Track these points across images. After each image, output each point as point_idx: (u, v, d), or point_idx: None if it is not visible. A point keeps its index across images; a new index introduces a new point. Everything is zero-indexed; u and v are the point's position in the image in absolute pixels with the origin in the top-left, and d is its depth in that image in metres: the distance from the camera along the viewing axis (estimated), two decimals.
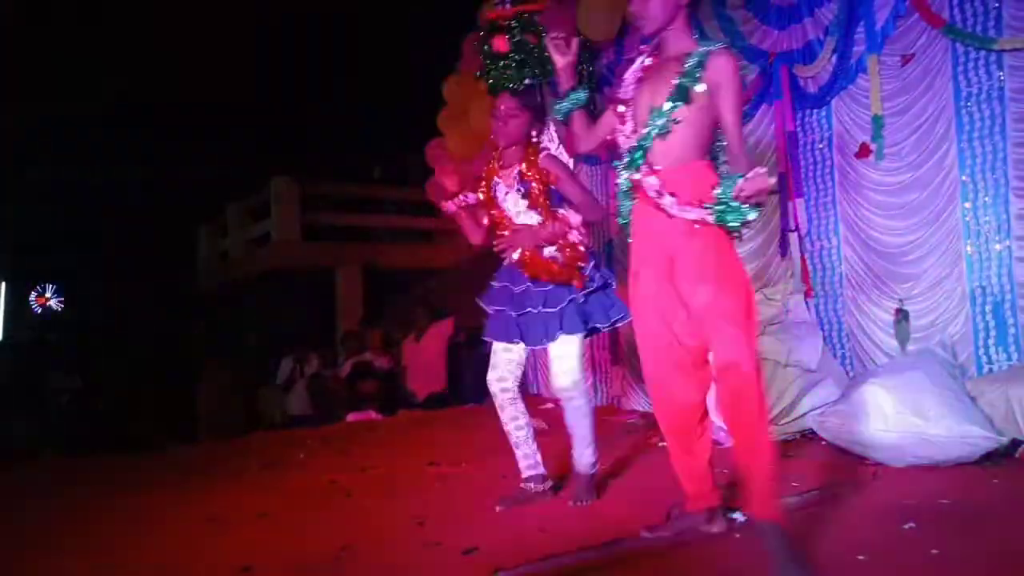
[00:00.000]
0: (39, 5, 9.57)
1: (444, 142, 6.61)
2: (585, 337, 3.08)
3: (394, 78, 9.81)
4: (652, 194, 2.40)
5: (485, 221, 3.24)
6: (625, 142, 2.50)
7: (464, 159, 6.57)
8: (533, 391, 6.53)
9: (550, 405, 5.87)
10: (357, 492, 3.44)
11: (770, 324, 4.37)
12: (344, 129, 11.31)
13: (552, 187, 3.02)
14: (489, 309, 3.18)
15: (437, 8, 7.59)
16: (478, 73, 3.01)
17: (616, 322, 3.07)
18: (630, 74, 2.55)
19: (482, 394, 6.82)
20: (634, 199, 2.51)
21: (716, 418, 3.99)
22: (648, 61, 2.51)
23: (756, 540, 2.23)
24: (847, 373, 4.35)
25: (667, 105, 2.36)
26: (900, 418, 3.29)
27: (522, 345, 3.12)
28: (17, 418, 9.54)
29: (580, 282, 2.99)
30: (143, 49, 10.16)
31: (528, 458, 3.21)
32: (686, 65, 2.35)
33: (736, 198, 2.20)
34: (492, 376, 3.17)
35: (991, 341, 3.88)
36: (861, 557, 2.26)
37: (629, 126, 2.50)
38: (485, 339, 3.23)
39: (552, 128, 3.13)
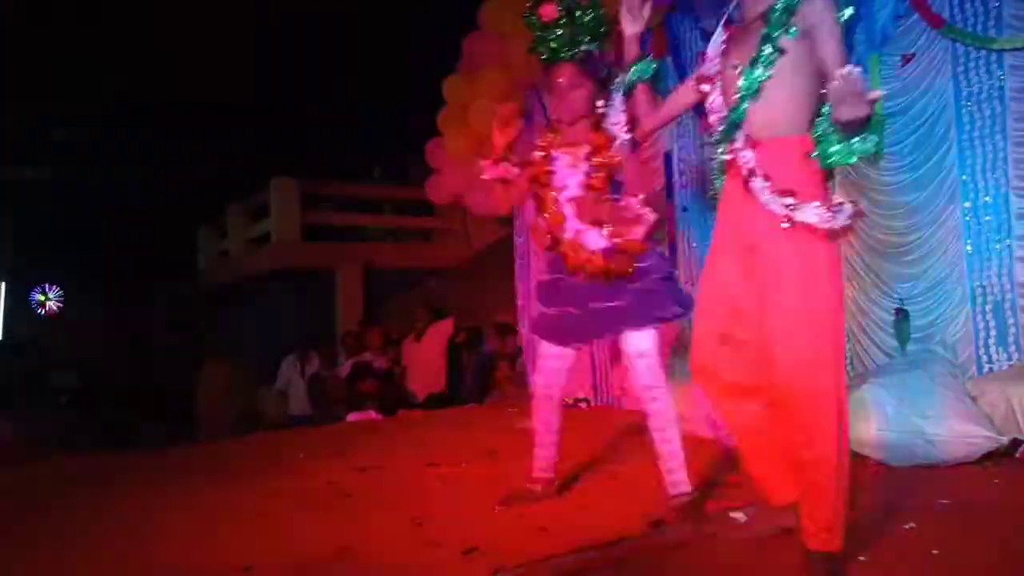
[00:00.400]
0: (39, 5, 9.57)
1: (444, 142, 6.61)
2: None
3: (394, 78, 9.81)
4: (745, 172, 2.16)
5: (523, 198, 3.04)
6: (716, 116, 2.29)
7: (463, 159, 6.57)
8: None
9: None
10: (357, 492, 3.44)
11: None
12: (344, 129, 11.31)
13: (617, 175, 2.80)
14: (548, 309, 2.98)
15: (437, 8, 7.58)
16: (530, 48, 2.82)
17: (681, 315, 2.83)
18: (712, 49, 2.34)
19: (482, 394, 6.86)
20: (726, 175, 2.28)
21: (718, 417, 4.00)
22: (730, 28, 2.30)
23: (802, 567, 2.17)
24: (847, 373, 4.34)
25: (759, 58, 2.11)
26: (900, 418, 3.30)
27: (572, 351, 2.95)
28: (17, 418, 9.54)
29: (633, 272, 2.76)
30: (143, 49, 10.16)
31: (544, 460, 3.11)
32: (771, 15, 2.10)
33: (834, 119, 1.90)
34: (539, 381, 3.05)
35: (991, 341, 3.88)
36: (862, 558, 2.26)
37: (718, 100, 2.29)
38: (543, 339, 3.02)
39: (618, 99, 2.80)
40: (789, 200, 2.06)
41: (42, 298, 13.92)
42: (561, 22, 2.75)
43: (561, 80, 2.77)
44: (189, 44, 10.02)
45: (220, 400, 8.34)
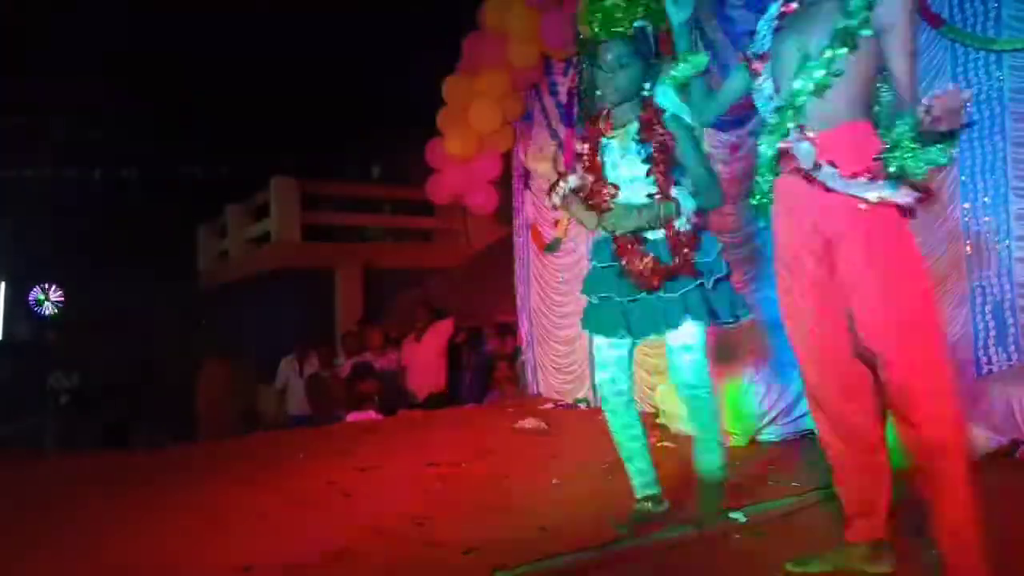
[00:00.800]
0: (40, 4, 9.57)
1: (444, 142, 6.61)
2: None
3: (394, 78, 9.81)
4: (806, 165, 2.00)
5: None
6: (766, 104, 2.12)
7: (463, 159, 6.57)
8: (533, 391, 6.53)
9: (550, 405, 5.88)
10: (357, 492, 3.44)
11: None
12: (344, 129, 11.31)
13: (673, 155, 2.58)
14: (592, 298, 2.75)
15: (437, 8, 7.58)
16: (580, 20, 2.64)
17: (740, 319, 2.63)
18: (764, 23, 2.17)
19: (482, 394, 6.86)
20: (778, 173, 2.10)
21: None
22: (788, 5, 2.10)
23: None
24: None
25: (827, 53, 1.95)
26: None
27: (627, 340, 2.69)
28: (17, 417, 9.54)
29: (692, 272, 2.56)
30: (143, 49, 10.16)
31: (644, 474, 2.77)
32: (850, 4, 1.93)
33: (923, 130, 1.76)
34: (603, 376, 2.75)
35: (991, 341, 3.88)
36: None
37: (769, 85, 2.11)
38: (588, 333, 2.81)
39: (669, 86, 2.63)
40: (864, 179, 1.92)
41: (42, 298, 13.92)
42: None
43: (610, 57, 2.59)
44: (189, 44, 10.02)
45: (220, 400, 8.33)
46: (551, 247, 6.29)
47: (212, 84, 10.64)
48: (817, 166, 1.99)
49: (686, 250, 2.57)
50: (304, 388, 7.76)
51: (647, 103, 2.60)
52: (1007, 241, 3.84)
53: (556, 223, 6.21)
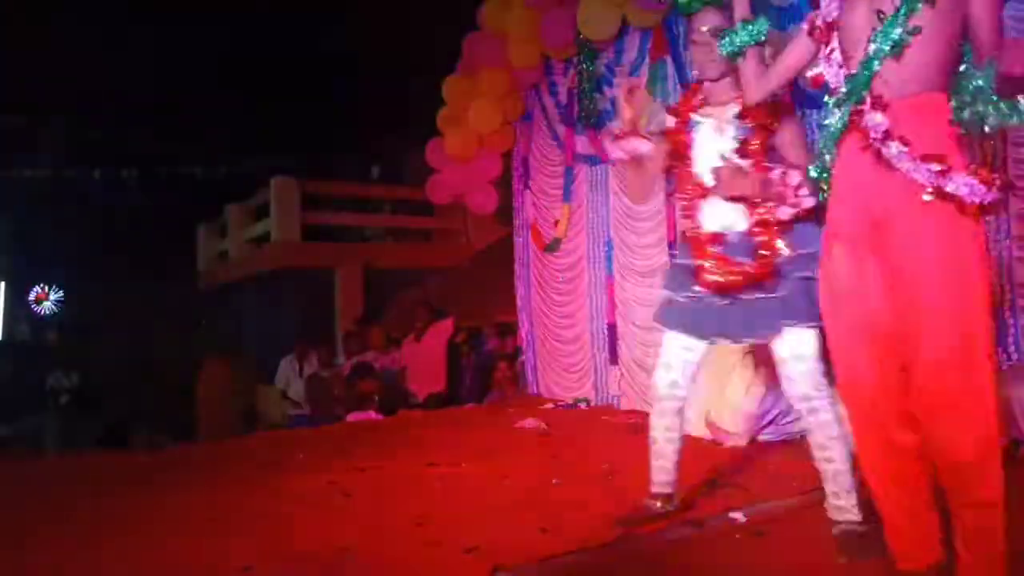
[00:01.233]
0: (39, 4, 9.57)
1: (444, 142, 6.62)
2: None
3: (394, 78, 9.81)
4: (874, 137, 1.81)
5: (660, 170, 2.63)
6: (836, 74, 1.93)
7: (463, 159, 6.58)
8: (533, 391, 6.53)
9: (550, 405, 5.88)
10: (357, 492, 3.44)
11: None
12: (344, 129, 11.32)
13: (772, 138, 2.36)
14: (678, 296, 2.55)
15: (437, 8, 7.58)
16: None
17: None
18: None
19: (482, 394, 6.86)
20: (844, 144, 1.92)
21: (717, 418, 4.00)
22: None
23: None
24: None
25: (901, 9, 1.76)
26: None
27: (704, 344, 2.53)
28: (17, 417, 9.54)
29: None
30: (143, 49, 10.16)
31: (666, 472, 2.67)
32: None
33: (1007, 72, 1.65)
34: (664, 377, 2.60)
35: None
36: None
37: (838, 54, 1.93)
38: (667, 329, 2.60)
39: (768, 53, 2.38)
40: (936, 166, 1.73)
41: (42, 298, 13.92)
42: None
43: (705, 29, 2.37)
44: (189, 44, 10.02)
45: (220, 400, 8.33)
46: (551, 247, 6.29)
47: (212, 84, 10.64)
48: (887, 139, 1.79)
49: (774, 248, 2.33)
50: (304, 388, 7.76)
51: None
52: (1006, 241, 3.83)
53: (556, 223, 6.21)
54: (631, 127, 2.64)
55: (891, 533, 1.98)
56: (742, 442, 3.96)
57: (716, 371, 3.96)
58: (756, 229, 2.38)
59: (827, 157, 1.98)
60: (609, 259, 5.69)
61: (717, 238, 2.44)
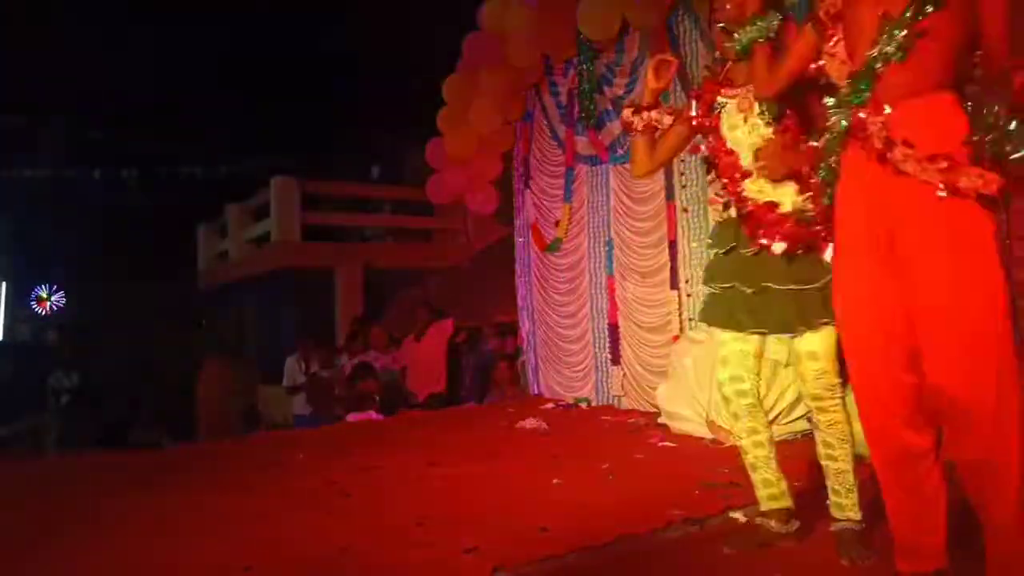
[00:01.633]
0: (39, 4, 9.57)
1: (444, 142, 6.62)
2: None
3: (394, 78, 9.81)
4: (878, 142, 1.76)
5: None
6: (839, 70, 1.88)
7: (463, 159, 6.58)
8: (533, 391, 6.54)
9: (550, 405, 5.88)
10: (357, 492, 3.44)
11: None
12: (344, 129, 11.32)
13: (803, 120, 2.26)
14: (712, 287, 2.48)
15: (437, 8, 7.58)
16: None
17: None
18: None
19: (482, 394, 6.86)
20: (847, 147, 1.86)
21: (717, 417, 4.00)
22: None
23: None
24: None
25: (907, 12, 1.70)
26: None
27: (755, 337, 2.40)
28: (17, 417, 9.54)
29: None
30: (143, 49, 10.16)
31: (770, 486, 2.45)
32: None
33: (1018, 100, 1.57)
34: (724, 375, 2.44)
35: None
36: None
37: (842, 49, 1.88)
38: (711, 325, 2.52)
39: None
40: (944, 163, 1.68)
41: (42, 298, 13.92)
42: None
43: (729, 5, 2.29)
44: (189, 44, 10.02)
45: (220, 400, 8.33)
46: (552, 247, 6.29)
47: (212, 84, 10.64)
48: (890, 144, 1.74)
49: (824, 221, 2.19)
50: (304, 388, 7.76)
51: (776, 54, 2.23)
52: (1007, 241, 3.83)
53: (556, 223, 6.22)
54: (654, 98, 2.55)
55: (897, 535, 1.95)
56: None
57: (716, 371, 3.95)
58: (809, 205, 2.26)
59: (832, 160, 1.92)
60: (609, 259, 5.69)
61: (772, 206, 2.31)
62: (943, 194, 1.69)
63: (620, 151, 5.47)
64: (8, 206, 12.55)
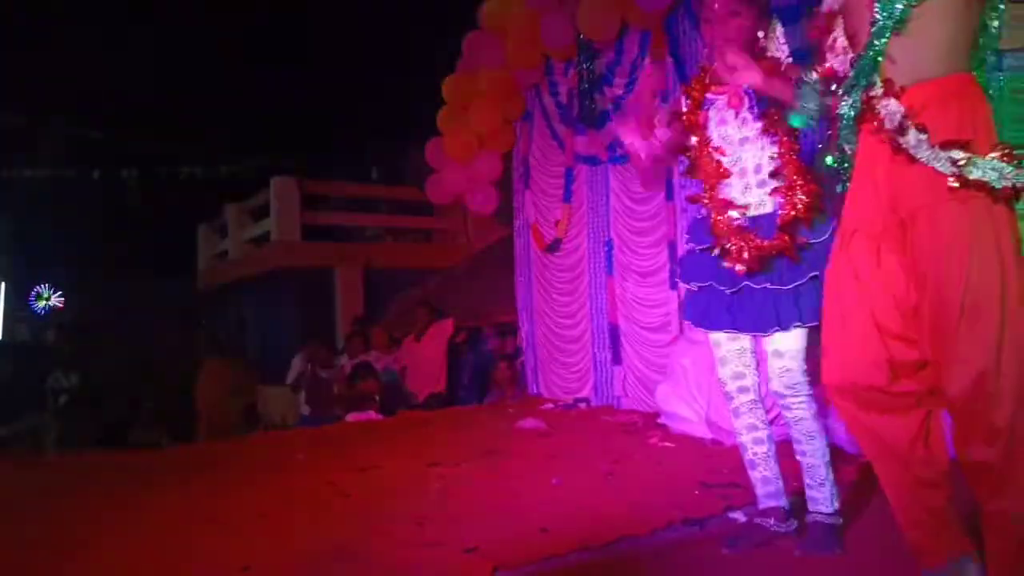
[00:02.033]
0: (39, 4, 9.57)
1: (444, 142, 6.62)
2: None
3: (394, 78, 9.82)
4: (890, 126, 1.66)
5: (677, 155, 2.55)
6: (843, 60, 1.82)
7: (463, 159, 6.58)
8: (533, 391, 6.53)
9: (550, 405, 5.88)
10: (357, 492, 3.44)
11: None
12: (344, 129, 11.33)
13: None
14: (690, 286, 2.52)
15: (437, 8, 7.59)
16: None
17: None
18: None
19: (482, 394, 6.86)
20: (860, 135, 1.79)
21: (718, 417, 4.00)
22: None
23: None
24: None
25: None
26: None
27: (744, 335, 2.42)
28: (17, 418, 9.54)
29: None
30: (144, 49, 10.16)
31: (768, 483, 2.48)
32: None
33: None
34: (725, 373, 2.48)
35: None
36: (862, 558, 2.26)
37: (841, 39, 1.83)
38: (695, 325, 2.54)
39: (780, 30, 2.40)
40: (958, 153, 1.58)
41: (42, 298, 13.92)
42: None
43: (717, 6, 2.34)
44: (189, 44, 10.02)
45: (220, 400, 8.33)
46: (551, 247, 6.29)
47: (212, 84, 10.64)
48: (903, 129, 1.64)
49: (798, 227, 2.26)
50: (304, 388, 7.76)
51: (761, 59, 2.30)
52: None
53: (556, 223, 6.22)
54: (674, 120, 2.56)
55: (905, 528, 1.89)
56: None
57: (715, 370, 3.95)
58: (786, 207, 2.29)
59: (847, 147, 1.84)
60: (609, 259, 5.69)
61: (741, 217, 2.35)
62: (955, 184, 1.59)
63: (620, 151, 5.47)
64: (8, 206, 12.55)
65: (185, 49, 10.09)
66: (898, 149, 1.67)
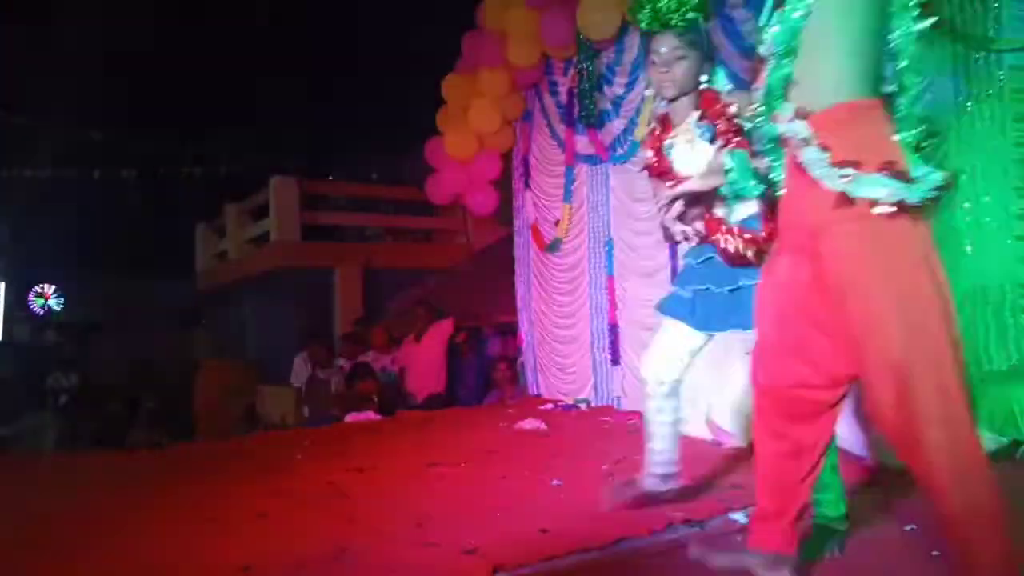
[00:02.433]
0: (39, 4, 9.57)
1: (444, 142, 6.62)
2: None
3: (394, 78, 9.82)
4: (795, 146, 1.75)
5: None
6: (759, 84, 1.89)
7: (463, 159, 6.58)
8: (533, 392, 6.53)
9: (550, 406, 5.88)
10: (356, 492, 3.44)
11: None
12: (344, 129, 11.32)
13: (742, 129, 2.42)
14: (683, 292, 2.72)
15: (437, 8, 7.58)
16: (629, 12, 2.71)
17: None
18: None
19: (482, 394, 6.86)
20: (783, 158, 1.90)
21: (718, 418, 4.00)
22: None
23: None
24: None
25: (789, 6, 1.71)
26: None
27: (701, 334, 2.63)
28: (17, 417, 9.55)
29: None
30: (144, 48, 10.16)
31: (656, 454, 2.76)
32: None
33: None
34: (656, 365, 2.71)
35: (991, 342, 3.87)
36: (862, 559, 2.26)
37: (763, 74, 1.88)
38: (666, 314, 2.75)
39: (723, 73, 2.58)
40: (848, 171, 1.63)
41: (42, 298, 13.91)
42: None
43: (664, 51, 2.50)
44: (189, 44, 10.02)
45: (220, 400, 8.36)
46: (551, 247, 6.29)
47: (212, 83, 10.64)
48: (804, 149, 1.71)
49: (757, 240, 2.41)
50: (304, 388, 7.77)
51: (704, 94, 2.50)
52: (1007, 241, 3.83)
53: (556, 223, 6.22)
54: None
55: (762, 496, 2.02)
56: (742, 443, 3.96)
57: (716, 370, 3.95)
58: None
59: (775, 176, 1.97)
60: (609, 259, 5.69)
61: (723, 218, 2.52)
62: (845, 203, 1.64)
63: (620, 151, 5.47)
64: (8, 206, 12.54)
65: (185, 49, 10.08)
66: (799, 168, 1.75)
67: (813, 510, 2.39)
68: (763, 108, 1.87)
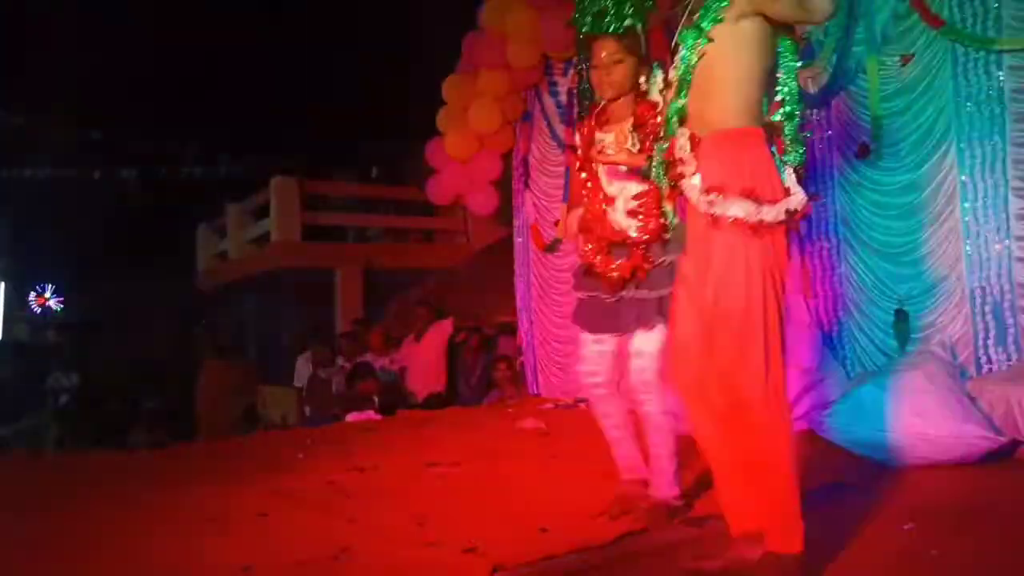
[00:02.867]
0: (39, 4, 9.57)
1: (444, 142, 6.62)
2: None
3: (394, 77, 9.82)
4: (676, 170, 2.07)
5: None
6: (662, 110, 2.21)
7: (463, 159, 6.58)
8: (533, 391, 6.53)
9: (550, 405, 5.88)
10: (357, 492, 3.44)
11: None
12: (344, 129, 11.32)
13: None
14: (578, 294, 2.89)
15: (437, 7, 7.59)
16: (571, 19, 2.75)
17: None
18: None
19: (482, 394, 6.86)
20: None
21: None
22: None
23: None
24: (847, 373, 4.35)
25: (687, 41, 1.98)
26: (900, 418, 3.30)
27: (611, 336, 2.80)
28: (17, 417, 9.56)
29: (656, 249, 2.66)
30: (144, 48, 10.16)
31: (623, 459, 2.95)
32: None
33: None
34: (582, 370, 2.88)
35: (991, 341, 3.87)
36: (861, 558, 2.26)
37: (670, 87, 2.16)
38: (575, 323, 2.93)
39: (660, 76, 2.63)
40: (713, 195, 1.96)
41: (42, 298, 13.92)
42: None
43: (603, 55, 2.67)
44: (189, 44, 10.03)
45: (220, 400, 8.34)
46: (551, 247, 6.29)
47: (212, 83, 10.64)
48: (681, 173, 2.05)
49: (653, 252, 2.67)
50: (305, 387, 7.76)
51: (642, 99, 2.66)
52: (1006, 241, 3.84)
53: (556, 223, 6.21)
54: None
55: (721, 495, 2.25)
56: None
57: None
58: (645, 236, 2.67)
59: (664, 187, 2.27)
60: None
61: (615, 241, 2.73)
62: (709, 222, 1.97)
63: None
64: (8, 206, 12.55)
65: (185, 49, 10.08)
66: (680, 190, 2.08)
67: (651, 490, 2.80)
68: (663, 135, 2.15)
